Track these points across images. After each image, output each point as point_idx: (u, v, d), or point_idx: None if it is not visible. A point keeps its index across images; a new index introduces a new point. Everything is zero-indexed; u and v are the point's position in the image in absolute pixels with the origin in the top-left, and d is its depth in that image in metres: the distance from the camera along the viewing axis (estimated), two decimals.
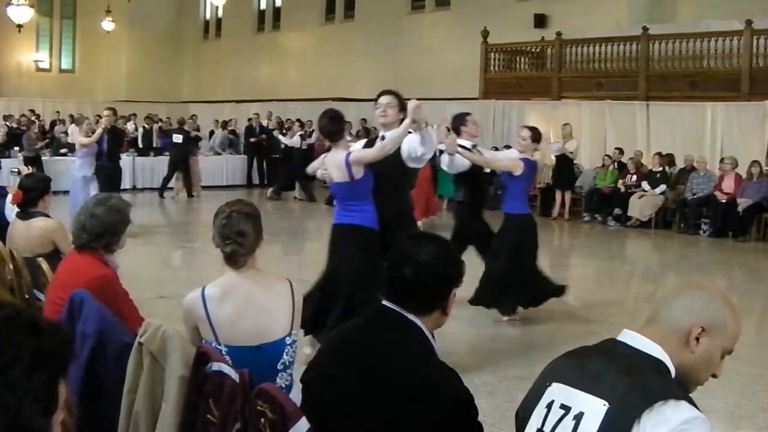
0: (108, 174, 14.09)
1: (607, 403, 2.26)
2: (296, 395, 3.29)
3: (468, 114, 9.62)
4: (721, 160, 16.87)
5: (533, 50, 22.78)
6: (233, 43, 35.31)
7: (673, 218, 17.15)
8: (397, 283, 2.80)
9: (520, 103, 21.42)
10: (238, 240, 3.64)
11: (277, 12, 34.35)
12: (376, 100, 6.90)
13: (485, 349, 8.03)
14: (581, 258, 15.20)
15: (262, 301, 3.69)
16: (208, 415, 3.26)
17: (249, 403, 3.00)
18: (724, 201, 16.19)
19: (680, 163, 17.85)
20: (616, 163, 18.28)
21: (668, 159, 17.90)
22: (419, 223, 17.68)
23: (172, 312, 6.90)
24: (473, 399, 2.68)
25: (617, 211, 17.56)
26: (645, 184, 17.30)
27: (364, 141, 7.39)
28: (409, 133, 6.45)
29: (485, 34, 22.49)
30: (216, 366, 3.29)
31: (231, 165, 24.44)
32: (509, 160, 8.73)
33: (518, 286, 8.58)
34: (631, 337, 2.44)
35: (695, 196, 16.70)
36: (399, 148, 6.59)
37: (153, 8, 37.14)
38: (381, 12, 28.39)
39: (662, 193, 17.15)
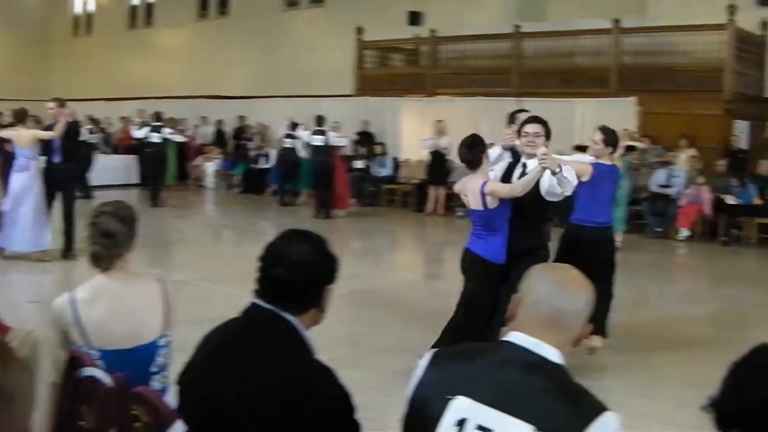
0: (66, 174, 12.19)
1: (535, 428, 2.12)
2: (172, 398, 3.07)
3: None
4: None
5: (407, 47, 22.59)
6: (105, 40, 33.95)
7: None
8: (272, 283, 2.73)
9: (394, 100, 21.14)
10: (103, 241, 3.50)
11: (149, 8, 33.25)
12: (522, 126, 6.52)
13: (363, 345, 7.80)
14: (456, 252, 14.80)
15: (132, 303, 3.55)
16: (82, 422, 3.10)
17: (124, 407, 2.92)
18: None
19: None
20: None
21: None
22: (341, 213, 17.68)
23: (44, 317, 6.29)
24: (351, 396, 2.61)
25: None
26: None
27: (506, 163, 6.72)
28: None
29: (359, 31, 22.17)
30: (89, 371, 3.16)
31: (122, 164, 23.07)
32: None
33: None
34: (532, 344, 2.29)
35: None
36: (538, 182, 6.25)
37: (20, 3, 35.57)
38: (255, 9, 27.82)
39: None
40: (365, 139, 20.84)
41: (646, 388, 6.73)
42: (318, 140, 17.58)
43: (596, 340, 7.19)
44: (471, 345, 2.49)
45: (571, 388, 2.22)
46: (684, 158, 16.41)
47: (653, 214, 16.02)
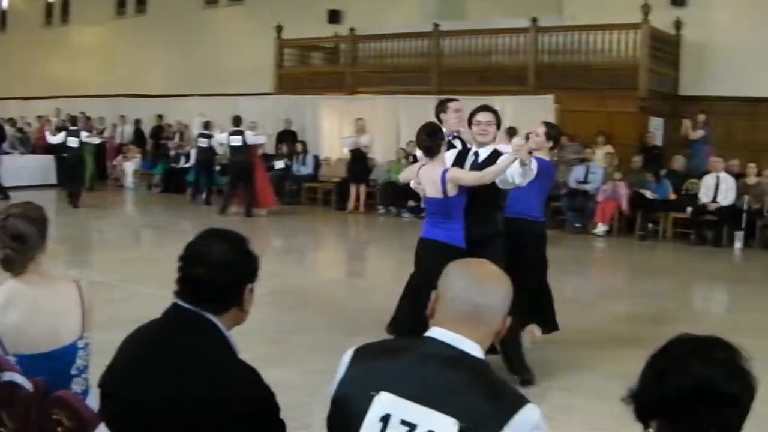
0: None
1: (458, 422, 2.13)
2: (93, 400, 2.99)
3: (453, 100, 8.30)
4: None
5: (327, 45, 22.49)
6: (20, 38, 33.08)
7: None
8: (192, 283, 2.69)
9: (314, 98, 21.00)
10: (13, 245, 3.36)
11: (65, 5, 32.50)
12: (472, 115, 6.43)
13: (285, 344, 7.69)
14: (378, 250, 14.98)
15: (48, 306, 3.42)
16: (2, 428, 2.90)
17: (45, 412, 2.73)
18: None
19: None
20: (410, 156, 18.09)
21: None
22: (262, 212, 17.46)
23: None
24: (274, 396, 2.57)
25: (411, 203, 17.31)
26: None
27: (455, 152, 6.57)
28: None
29: (279, 29, 21.98)
30: (8, 376, 2.93)
31: (39, 164, 22.41)
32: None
33: None
34: (453, 339, 2.30)
35: None
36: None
37: None
38: (174, 6, 27.46)
39: None
40: (287, 137, 20.65)
41: (567, 381, 6.75)
42: (236, 140, 17.35)
43: (536, 330, 7.30)
44: (393, 341, 2.55)
45: (492, 382, 2.24)
46: (601, 155, 16.61)
47: (572, 209, 16.17)
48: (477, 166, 6.26)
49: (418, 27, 20.20)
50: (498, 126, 6.47)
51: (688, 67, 18.32)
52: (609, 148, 16.67)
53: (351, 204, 18.60)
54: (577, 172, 16.27)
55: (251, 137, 17.40)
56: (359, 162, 18.44)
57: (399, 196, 17.54)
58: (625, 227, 15.86)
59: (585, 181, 16.13)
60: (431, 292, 2.40)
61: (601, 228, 15.76)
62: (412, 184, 6.39)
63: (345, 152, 19.00)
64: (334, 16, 22.99)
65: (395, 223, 16.69)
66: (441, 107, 7.83)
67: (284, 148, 20.40)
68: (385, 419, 2.21)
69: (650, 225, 15.72)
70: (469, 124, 6.46)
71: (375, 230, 16.89)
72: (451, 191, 6.03)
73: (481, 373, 2.26)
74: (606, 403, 5.72)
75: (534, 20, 18.06)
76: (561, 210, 16.41)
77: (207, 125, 19.06)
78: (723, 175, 14.99)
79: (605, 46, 17.55)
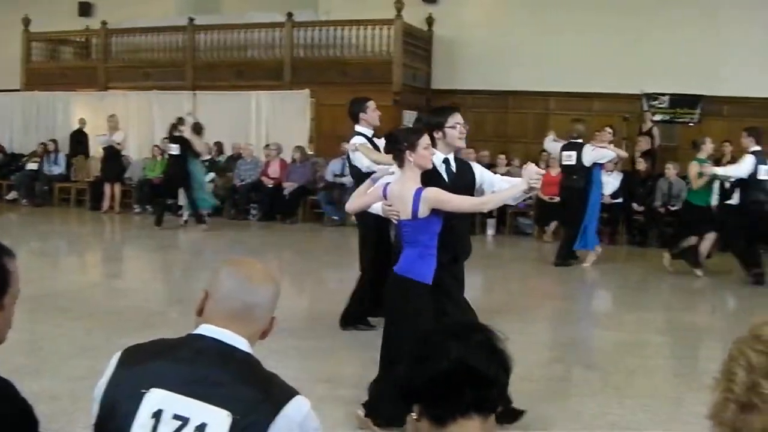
0: None
1: (231, 414, 2.15)
2: None
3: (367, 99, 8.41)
4: (267, 146, 17.05)
5: (78, 39, 21.37)
6: None
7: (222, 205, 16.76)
8: None
9: (65, 95, 19.97)
10: None
11: None
12: (445, 116, 5.55)
13: (43, 352, 7.15)
14: (135, 250, 14.38)
15: None
16: None
17: None
18: (271, 186, 16.40)
19: (229, 151, 17.73)
20: (165, 154, 17.47)
21: (217, 147, 17.60)
22: None
23: None
24: (32, 409, 2.26)
25: (170, 201, 16.70)
26: None
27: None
28: None
29: (26, 21, 20.61)
30: None
31: None
32: None
33: None
34: (222, 335, 2.33)
35: (243, 183, 16.65)
36: (472, 180, 5.53)
37: None
38: None
39: (211, 181, 16.68)
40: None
41: (328, 373, 6.66)
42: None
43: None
44: (161, 341, 2.41)
45: (262, 376, 2.29)
46: None
47: (330, 203, 16.06)
48: (453, 177, 5.47)
49: (172, 21, 19.54)
50: None
51: (440, 62, 18.64)
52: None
53: (106, 204, 17.68)
54: (334, 166, 16.18)
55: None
56: (113, 160, 17.54)
57: (156, 195, 16.83)
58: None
59: (342, 174, 16.05)
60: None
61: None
62: (382, 208, 5.25)
63: (99, 150, 18.04)
64: (85, 9, 21.84)
65: (152, 222, 15.97)
66: (359, 106, 7.97)
67: (38, 148, 19.25)
68: (157, 415, 2.19)
69: None
70: (440, 128, 5.48)
71: (131, 230, 16.19)
72: (423, 213, 5.03)
73: (250, 367, 2.30)
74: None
75: (290, 15, 17.90)
76: (318, 204, 16.33)
77: None
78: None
79: (360, 42, 17.62)
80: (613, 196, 14.41)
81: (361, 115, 8.13)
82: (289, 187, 16.28)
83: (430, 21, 18.56)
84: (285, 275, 10.63)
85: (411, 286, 5.08)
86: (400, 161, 5.02)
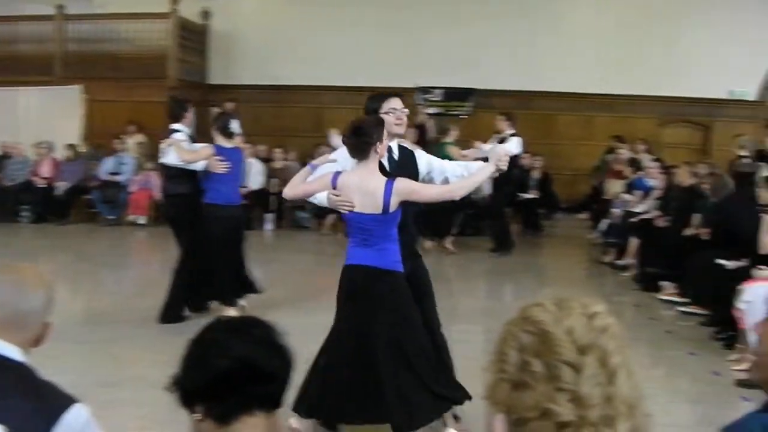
0: None
1: (4, 427, 2.07)
2: None
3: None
4: (37, 144, 16.33)
5: None
6: None
7: None
8: None
9: None
10: None
11: None
12: (380, 101, 5.25)
13: None
14: None
15: None
16: None
17: None
18: (42, 186, 15.80)
19: None
20: None
21: None
22: None
23: None
24: None
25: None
26: None
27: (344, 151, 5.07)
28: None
29: None
30: None
31: None
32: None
33: None
34: None
35: (13, 183, 15.96)
36: (415, 169, 5.35)
37: None
38: None
39: None
40: None
41: (110, 376, 6.52)
42: None
43: (231, 311, 7.91)
44: None
45: (36, 385, 2.23)
46: (132, 145, 16.24)
47: (104, 202, 15.67)
48: (395, 167, 5.26)
49: None
50: None
51: (217, 57, 18.47)
52: (141, 138, 16.32)
53: None
54: (108, 164, 15.80)
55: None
56: None
57: None
58: (161, 216, 15.64)
59: (116, 173, 15.70)
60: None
61: (139, 219, 15.47)
62: (327, 198, 5.02)
63: None
64: None
65: None
66: (183, 107, 8.78)
67: None
68: None
69: None
70: (374, 111, 5.26)
71: None
72: (394, 206, 4.89)
73: (23, 376, 2.23)
74: (153, 392, 5.48)
75: (60, 7, 17.20)
76: (92, 203, 15.92)
77: None
78: (252, 160, 15.27)
79: (135, 36, 17.13)
80: None
81: (185, 114, 8.63)
82: (61, 186, 15.73)
83: (206, 15, 18.31)
84: (59, 279, 10.28)
85: (402, 280, 5.05)
86: (365, 154, 4.86)
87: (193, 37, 18.01)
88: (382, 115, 5.13)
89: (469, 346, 6.50)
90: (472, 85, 17.51)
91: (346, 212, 4.92)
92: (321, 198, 5.07)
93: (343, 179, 4.89)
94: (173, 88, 16.69)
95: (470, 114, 17.68)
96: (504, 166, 5.10)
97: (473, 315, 9.22)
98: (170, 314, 8.18)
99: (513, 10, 17.10)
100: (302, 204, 15.46)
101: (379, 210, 4.85)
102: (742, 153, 13.82)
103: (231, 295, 8.28)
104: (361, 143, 4.85)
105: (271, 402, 1.99)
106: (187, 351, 2.04)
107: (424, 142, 15.93)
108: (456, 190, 5.08)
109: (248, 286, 8.57)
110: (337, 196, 4.89)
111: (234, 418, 1.94)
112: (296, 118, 17.87)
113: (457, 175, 5.37)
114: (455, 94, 17.85)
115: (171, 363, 2.10)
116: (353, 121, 4.99)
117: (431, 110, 17.21)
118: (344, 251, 5.07)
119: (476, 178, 5.11)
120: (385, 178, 4.86)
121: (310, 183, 5.07)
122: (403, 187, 4.82)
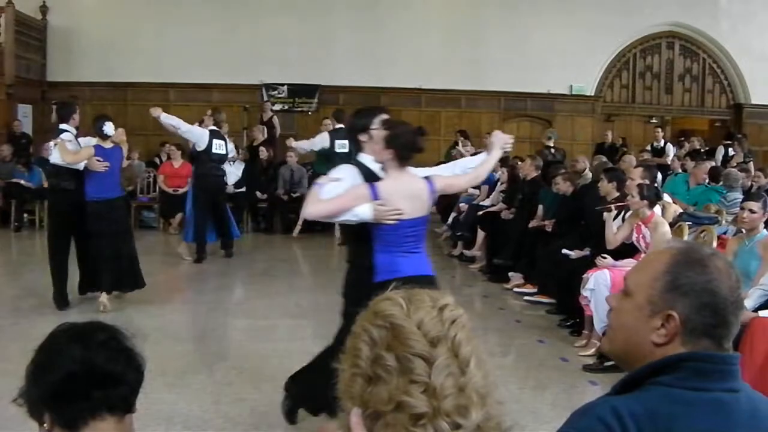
0: None
1: None
2: None
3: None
4: None
5: None
6: None
7: None
8: None
9: None
10: None
11: None
12: (372, 116, 4.84)
13: None
14: None
15: None
16: None
17: None
18: None
19: None
20: None
21: None
22: None
23: None
24: None
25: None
26: None
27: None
28: None
29: None
30: None
31: None
32: None
33: None
34: None
35: None
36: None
37: None
38: None
39: None
40: None
41: None
42: None
43: (104, 297, 8.46)
44: None
45: None
46: None
47: None
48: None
49: None
50: None
51: (56, 53, 17.84)
52: None
53: None
54: None
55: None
56: None
57: None
58: (0, 220, 15.10)
59: None
60: None
61: None
62: (374, 211, 4.55)
63: None
64: None
65: None
66: (71, 109, 8.94)
67: None
68: None
69: (26, 215, 15.11)
70: (365, 130, 4.83)
71: None
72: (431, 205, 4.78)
73: None
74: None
75: None
76: None
77: None
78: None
79: None
80: (237, 185, 14.61)
81: (73, 115, 8.88)
82: None
83: (44, 9, 17.68)
84: None
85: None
86: (410, 160, 4.64)
87: (31, 32, 17.36)
88: (374, 131, 4.75)
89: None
90: (318, 81, 17.57)
91: (395, 222, 4.56)
92: (361, 213, 4.54)
93: (386, 188, 4.57)
94: (11, 86, 16.10)
95: (315, 110, 17.72)
96: (509, 148, 5.32)
97: None
98: (57, 299, 8.67)
99: (359, 2, 17.30)
100: (149, 203, 15.20)
101: (425, 212, 4.71)
102: (549, 144, 14.80)
103: (109, 285, 8.64)
104: (417, 149, 4.62)
105: (120, 405, 1.97)
106: (32, 360, 2.01)
107: (272, 139, 15.93)
108: (480, 175, 5.21)
109: (129, 280, 8.95)
110: (382, 206, 4.54)
111: (83, 424, 1.92)
112: (141, 116, 17.41)
113: (469, 167, 5.29)
114: (300, 91, 17.90)
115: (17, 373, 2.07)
116: (396, 130, 4.61)
117: (277, 107, 17.20)
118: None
119: (487, 166, 5.18)
120: (423, 179, 4.71)
121: (337, 199, 4.59)
122: (442, 183, 4.78)
